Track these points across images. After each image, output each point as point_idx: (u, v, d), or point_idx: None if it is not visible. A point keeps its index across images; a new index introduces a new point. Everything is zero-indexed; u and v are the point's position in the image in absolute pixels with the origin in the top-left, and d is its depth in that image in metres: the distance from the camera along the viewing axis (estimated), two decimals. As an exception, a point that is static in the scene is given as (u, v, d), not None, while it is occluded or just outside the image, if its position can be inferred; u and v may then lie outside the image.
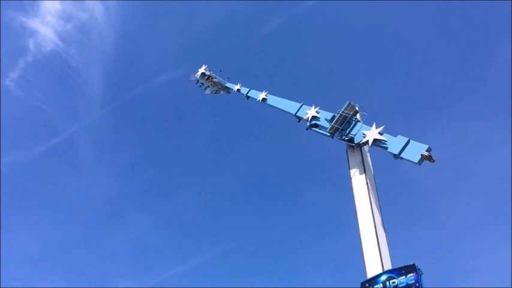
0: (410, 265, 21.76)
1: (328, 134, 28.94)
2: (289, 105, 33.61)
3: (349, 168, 27.59)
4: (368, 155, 28.00)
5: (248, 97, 39.27)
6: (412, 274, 21.46)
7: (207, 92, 47.33)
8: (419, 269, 21.46)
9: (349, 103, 28.30)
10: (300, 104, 32.62)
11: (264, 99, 36.71)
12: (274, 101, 35.90)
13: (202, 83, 46.77)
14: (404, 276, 21.60)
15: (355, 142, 27.32)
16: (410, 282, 21.37)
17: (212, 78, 45.81)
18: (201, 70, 46.09)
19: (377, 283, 22.31)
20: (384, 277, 22.23)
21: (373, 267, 23.22)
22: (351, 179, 27.06)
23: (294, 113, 32.54)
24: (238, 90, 41.12)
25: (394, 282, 21.79)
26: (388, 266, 23.11)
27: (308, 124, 30.93)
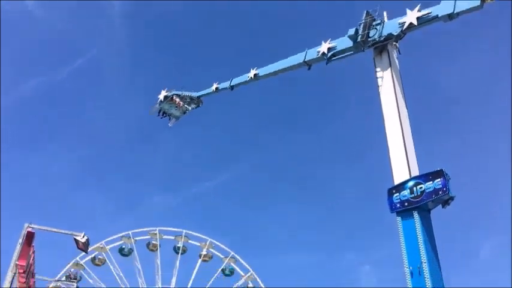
0: (437, 170, 21.83)
1: (353, 51, 27.89)
2: (291, 60, 31.33)
3: (376, 77, 27.00)
4: (395, 56, 27.30)
5: (232, 87, 34.98)
6: (439, 179, 21.59)
7: (172, 122, 41.23)
8: (446, 174, 21.54)
9: (367, 11, 27.30)
10: (302, 52, 30.34)
11: (255, 75, 33.04)
12: (270, 68, 32.82)
13: (164, 112, 39.86)
14: (431, 182, 21.77)
15: (393, 34, 26.17)
16: (437, 187, 21.57)
17: (176, 97, 38.93)
18: (162, 95, 38.84)
19: (404, 189, 22.63)
20: (411, 183, 22.46)
21: (400, 174, 23.42)
22: (378, 87, 26.58)
23: (302, 60, 30.14)
24: (217, 88, 36.28)
25: (421, 188, 22.05)
26: (415, 173, 23.23)
27: (326, 58, 28.85)
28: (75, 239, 19.12)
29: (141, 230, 56.17)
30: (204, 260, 55.79)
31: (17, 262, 18.36)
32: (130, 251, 55.03)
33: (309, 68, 30.37)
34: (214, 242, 56.70)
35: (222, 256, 56.19)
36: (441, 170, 21.78)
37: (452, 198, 21.72)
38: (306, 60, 30.09)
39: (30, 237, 18.59)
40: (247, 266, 55.71)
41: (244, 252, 59.54)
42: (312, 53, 29.70)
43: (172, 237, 56.96)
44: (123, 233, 55.39)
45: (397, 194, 22.78)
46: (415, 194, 22.20)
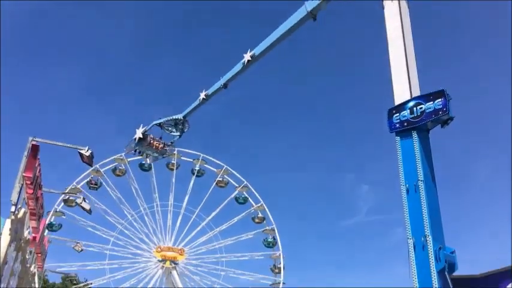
0: (439, 91, 21.73)
1: None
2: (290, 21, 27.08)
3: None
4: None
5: (226, 85, 30.60)
6: (440, 99, 21.55)
7: (150, 160, 40.12)
8: (447, 94, 21.50)
9: None
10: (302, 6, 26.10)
11: (252, 56, 28.57)
12: (268, 40, 28.22)
13: (140, 151, 35.75)
14: (432, 102, 21.78)
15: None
16: (437, 107, 21.61)
17: (153, 140, 34.71)
18: (138, 134, 33.94)
19: (404, 109, 22.69)
20: (411, 103, 22.47)
21: (401, 95, 23.43)
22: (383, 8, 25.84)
23: (307, 10, 25.80)
24: (206, 95, 31.74)
25: (421, 108, 22.12)
26: (416, 94, 23.25)
27: None
28: (79, 152, 19.54)
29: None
30: (219, 186, 57.14)
31: (23, 174, 18.89)
32: (150, 166, 56.64)
33: (315, 19, 26.18)
34: (230, 169, 58.04)
35: (215, 170, 57.63)
36: (442, 90, 21.71)
37: (451, 119, 21.84)
38: (311, 11, 25.81)
39: (35, 149, 18.97)
40: (257, 195, 57.14)
41: (240, 169, 61.21)
42: (312, 3, 25.71)
43: (191, 160, 58.45)
44: None
45: (397, 114, 22.90)
46: (415, 114, 22.31)
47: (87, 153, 19.58)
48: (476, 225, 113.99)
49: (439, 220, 21.68)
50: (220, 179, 57.67)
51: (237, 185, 57.02)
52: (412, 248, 20.74)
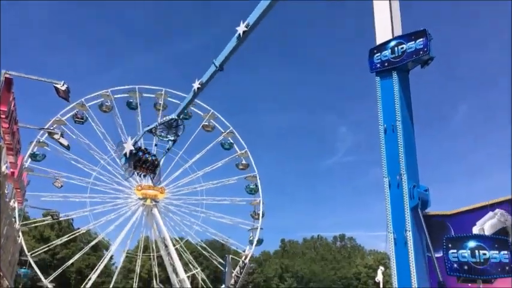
0: (420, 30, 21.49)
1: None
2: None
3: None
4: None
5: (222, 67, 26.78)
6: (421, 39, 21.30)
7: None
8: (429, 34, 21.29)
9: None
10: None
11: (247, 26, 25.34)
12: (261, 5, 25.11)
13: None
14: (413, 42, 21.56)
15: None
16: (419, 47, 21.45)
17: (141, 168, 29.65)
18: (127, 149, 28.38)
19: (385, 49, 22.48)
20: (392, 43, 22.24)
21: (383, 35, 23.18)
22: None
23: None
24: (201, 84, 27.60)
25: (402, 48, 21.94)
26: (398, 34, 23.05)
27: None
28: (55, 87, 19.08)
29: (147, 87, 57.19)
30: (206, 130, 56.71)
31: (-3, 108, 18.43)
32: (137, 105, 56.20)
33: None
34: (216, 114, 57.56)
35: (202, 113, 57.36)
36: (424, 30, 21.48)
37: (432, 59, 21.78)
38: None
39: (8, 83, 18.44)
40: (242, 142, 57.14)
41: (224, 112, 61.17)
42: None
43: (178, 102, 57.76)
44: (129, 86, 56.70)
45: (378, 54, 22.75)
46: (396, 54, 22.18)
47: (63, 88, 19.10)
48: (451, 165, 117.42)
49: (415, 159, 22.14)
50: (207, 123, 57.38)
51: (223, 131, 56.90)
52: (388, 186, 21.28)
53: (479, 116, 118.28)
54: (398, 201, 20.69)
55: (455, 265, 15.05)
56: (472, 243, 15.01)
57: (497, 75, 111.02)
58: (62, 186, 52.18)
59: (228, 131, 57.05)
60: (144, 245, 61.17)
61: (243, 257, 47.05)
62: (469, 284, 16.97)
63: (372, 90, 23.35)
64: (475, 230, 27.28)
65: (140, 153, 28.92)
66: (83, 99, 53.81)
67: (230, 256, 26.98)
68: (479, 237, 16.58)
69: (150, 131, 30.11)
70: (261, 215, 54.81)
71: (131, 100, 56.05)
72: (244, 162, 56.69)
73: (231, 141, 57.70)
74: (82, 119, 54.28)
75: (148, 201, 55.67)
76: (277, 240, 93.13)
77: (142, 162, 29.20)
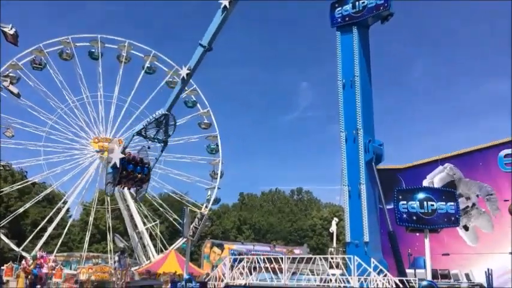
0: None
1: None
2: None
3: None
4: None
5: (210, 47, 24.23)
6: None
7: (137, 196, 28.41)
8: (390, -10, 21.46)
9: None
10: None
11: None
12: None
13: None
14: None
15: None
16: (379, 2, 21.35)
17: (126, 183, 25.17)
18: (116, 158, 23.66)
19: (346, 3, 22.47)
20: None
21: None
22: None
23: None
24: (190, 69, 24.70)
25: (363, 3, 21.86)
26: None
27: None
28: (3, 31, 18.05)
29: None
30: (170, 87, 55.49)
31: None
32: (100, 55, 53.98)
33: None
34: (159, 54, 56.01)
35: (166, 69, 56.09)
36: (385, -15, 21.55)
37: (391, 15, 21.94)
38: None
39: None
40: (205, 101, 56.10)
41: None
42: None
43: (142, 55, 55.95)
44: (91, 35, 54.28)
45: (340, 8, 22.76)
46: (357, 9, 22.27)
47: (11, 32, 18.08)
48: (405, 121, 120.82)
49: (371, 115, 22.66)
50: (171, 79, 55.91)
51: (187, 88, 55.71)
52: (344, 140, 21.78)
53: (435, 75, 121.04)
54: (354, 155, 21.29)
55: (404, 215, 15.76)
56: (421, 195, 15.71)
57: (456, 33, 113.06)
58: (13, 135, 50.21)
59: (191, 88, 55.85)
60: (102, 198, 60.69)
61: (201, 209, 47.63)
62: (417, 234, 17.89)
63: (333, 46, 23.44)
64: (425, 183, 28.71)
65: (131, 167, 23.95)
66: (41, 45, 50.89)
67: (188, 208, 25.99)
68: (428, 190, 17.35)
69: (139, 132, 26.04)
70: (219, 174, 54.88)
71: (93, 50, 53.68)
72: (206, 121, 56.07)
73: (194, 99, 56.72)
74: (40, 65, 51.49)
75: (106, 154, 54.73)
76: (236, 194, 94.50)
77: (129, 179, 24.38)
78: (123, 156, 23.48)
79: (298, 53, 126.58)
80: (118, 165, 23.22)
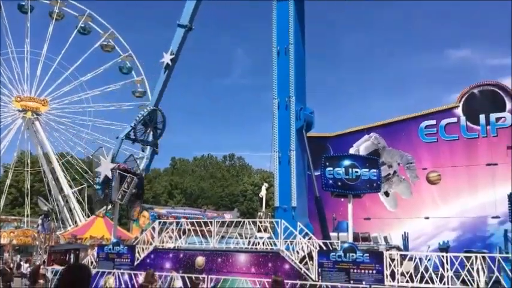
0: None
1: None
2: None
3: None
4: None
5: (190, 26, 23.71)
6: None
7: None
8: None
9: None
10: None
11: None
12: None
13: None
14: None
15: None
16: (316, -29, 21.80)
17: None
18: (107, 168, 20.42)
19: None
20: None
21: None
22: None
23: None
24: (173, 53, 23.71)
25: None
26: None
27: None
28: None
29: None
30: (105, 50, 52.76)
31: None
32: (30, 8, 49.95)
33: None
34: (94, 15, 53.21)
35: (101, 31, 53.52)
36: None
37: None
38: None
39: None
40: (139, 66, 54.06)
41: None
42: None
43: (76, 14, 52.45)
44: None
45: (277, -26, 22.62)
46: (294, -23, 22.27)
47: None
48: (336, 90, 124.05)
49: (304, 83, 23.04)
50: (105, 42, 53.10)
51: (122, 54, 53.21)
52: (277, 107, 22.04)
53: (368, 46, 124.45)
54: (286, 123, 21.66)
55: (330, 181, 16.34)
56: (346, 162, 16.31)
57: (391, 5, 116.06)
58: None
59: (126, 54, 53.59)
60: (25, 160, 57.88)
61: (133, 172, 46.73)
62: (342, 199, 18.71)
63: (269, 13, 23.32)
64: (352, 151, 29.88)
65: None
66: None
67: (118, 172, 24.26)
68: (353, 157, 18.07)
69: (127, 136, 23.42)
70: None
71: (23, 3, 49.75)
72: (140, 89, 54.30)
73: (130, 65, 54.49)
74: None
75: (28, 114, 51.87)
76: (168, 159, 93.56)
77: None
78: (113, 165, 20.25)
79: (235, 19, 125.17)
80: (111, 177, 19.97)
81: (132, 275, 18.39)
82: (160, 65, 24.46)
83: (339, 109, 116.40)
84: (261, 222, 19.46)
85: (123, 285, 18.38)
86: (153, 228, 19.75)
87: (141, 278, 17.91)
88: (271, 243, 17.41)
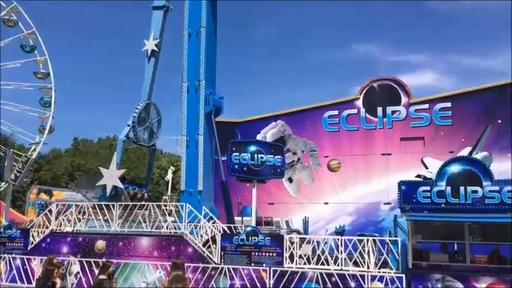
0: None
1: None
2: None
3: None
4: None
5: (169, 6, 23.44)
6: None
7: None
8: None
9: None
10: None
11: None
12: None
13: None
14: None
15: None
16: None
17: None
18: (113, 183, 19.97)
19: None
20: None
21: None
22: None
23: None
24: (157, 40, 23.10)
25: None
26: None
27: None
28: None
29: None
30: (7, 25, 47.84)
31: None
32: None
33: None
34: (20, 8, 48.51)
35: (3, 4, 48.89)
36: None
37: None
38: None
39: None
40: (44, 48, 49.80)
41: None
42: None
43: None
44: None
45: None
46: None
47: None
48: (247, 77, 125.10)
49: (214, 68, 22.98)
50: (7, 17, 48.28)
51: (25, 31, 48.72)
52: (186, 91, 21.83)
53: (282, 34, 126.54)
54: (195, 106, 21.54)
55: (236, 166, 16.61)
56: (252, 148, 16.66)
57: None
58: None
59: (30, 31, 49.30)
60: None
61: (29, 152, 43.76)
62: (247, 184, 19.09)
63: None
64: (259, 137, 30.50)
65: (126, 185, 21.24)
66: None
67: (12, 150, 22.20)
68: (259, 143, 18.49)
69: (128, 137, 21.96)
70: (47, 131, 50.18)
71: None
72: (42, 70, 50.34)
73: (33, 43, 50.22)
74: None
75: None
76: (71, 139, 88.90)
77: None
78: (119, 173, 19.46)
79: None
80: (120, 186, 19.29)
81: (25, 259, 17.42)
82: (144, 54, 23.28)
83: (249, 95, 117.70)
84: (165, 205, 19.28)
85: (14, 271, 17.36)
86: (50, 211, 18.78)
87: (34, 263, 17.05)
88: (175, 227, 17.34)
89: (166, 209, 18.76)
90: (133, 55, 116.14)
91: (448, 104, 29.02)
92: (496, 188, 13.83)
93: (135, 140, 22.27)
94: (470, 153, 23.81)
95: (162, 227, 17.40)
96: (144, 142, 22.73)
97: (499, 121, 27.21)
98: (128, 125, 21.77)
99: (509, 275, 12.90)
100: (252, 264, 15.04)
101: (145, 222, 17.45)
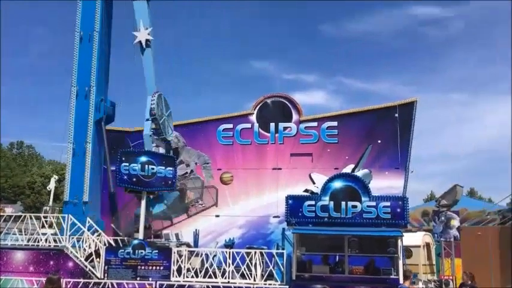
0: None
1: None
2: None
3: None
4: None
5: None
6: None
7: None
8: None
9: None
10: None
11: None
12: None
13: None
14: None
15: None
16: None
17: None
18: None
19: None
20: None
21: None
22: None
23: None
24: (147, 29, 21.32)
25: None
26: None
27: None
28: None
29: None
30: None
31: None
32: None
33: None
34: None
35: None
36: None
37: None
38: None
39: None
40: None
41: None
42: None
43: None
44: None
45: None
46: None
47: None
48: (139, 85, 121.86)
49: (107, 74, 22.21)
50: None
51: None
52: (75, 96, 20.79)
53: (186, 44, 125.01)
54: (84, 113, 20.58)
55: (125, 177, 16.09)
56: (143, 158, 16.28)
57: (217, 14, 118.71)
58: None
59: None
60: None
61: None
62: (135, 196, 18.52)
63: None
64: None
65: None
66: None
67: None
68: (150, 154, 18.08)
69: (156, 131, 20.35)
70: None
71: None
72: None
73: None
74: None
75: None
76: None
77: None
78: None
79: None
80: None
81: None
82: (136, 47, 21.21)
83: (142, 104, 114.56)
84: (45, 217, 18.02)
85: None
86: None
87: None
88: (55, 240, 16.25)
89: (46, 221, 17.54)
90: (15, 56, 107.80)
91: (335, 123, 30.67)
92: (373, 203, 14.90)
93: (164, 136, 21.06)
94: (353, 170, 25.39)
95: (41, 239, 16.22)
96: (166, 135, 21.36)
97: (379, 141, 29.42)
98: (147, 119, 20.00)
99: (382, 285, 13.92)
100: (138, 278, 14.58)
101: (21, 234, 16.15)
